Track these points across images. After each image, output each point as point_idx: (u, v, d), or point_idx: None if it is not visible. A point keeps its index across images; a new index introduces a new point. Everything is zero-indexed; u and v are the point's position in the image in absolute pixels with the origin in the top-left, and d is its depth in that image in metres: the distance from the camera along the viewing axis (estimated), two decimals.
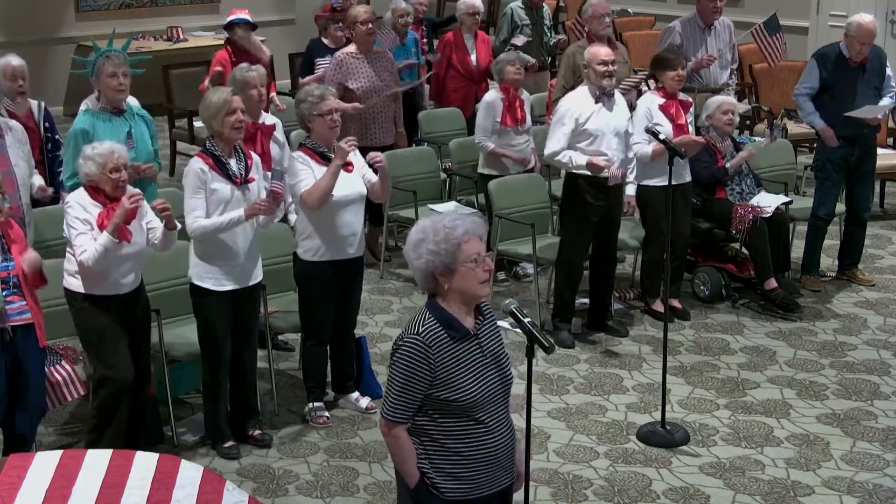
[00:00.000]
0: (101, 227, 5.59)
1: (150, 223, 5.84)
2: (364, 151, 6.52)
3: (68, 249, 5.73)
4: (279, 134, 7.29)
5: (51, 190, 7.06)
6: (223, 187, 5.93)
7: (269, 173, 6.30)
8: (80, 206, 5.66)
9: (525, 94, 8.58)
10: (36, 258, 5.57)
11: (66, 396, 5.97)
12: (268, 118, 7.26)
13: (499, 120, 8.36)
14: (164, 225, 5.78)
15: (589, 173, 7.18)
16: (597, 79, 7.23)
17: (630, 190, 7.54)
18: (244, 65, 7.24)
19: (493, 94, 8.49)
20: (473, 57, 10.09)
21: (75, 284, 5.71)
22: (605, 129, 7.25)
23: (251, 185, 6.04)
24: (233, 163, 5.99)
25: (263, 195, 6.03)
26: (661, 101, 7.70)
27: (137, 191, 5.73)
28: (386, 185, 6.47)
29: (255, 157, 6.23)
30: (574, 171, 7.26)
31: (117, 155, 5.65)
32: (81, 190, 5.74)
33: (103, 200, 5.66)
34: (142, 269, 5.88)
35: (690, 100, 7.93)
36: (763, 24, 9.24)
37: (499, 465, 4.08)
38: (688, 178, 7.81)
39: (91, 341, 5.78)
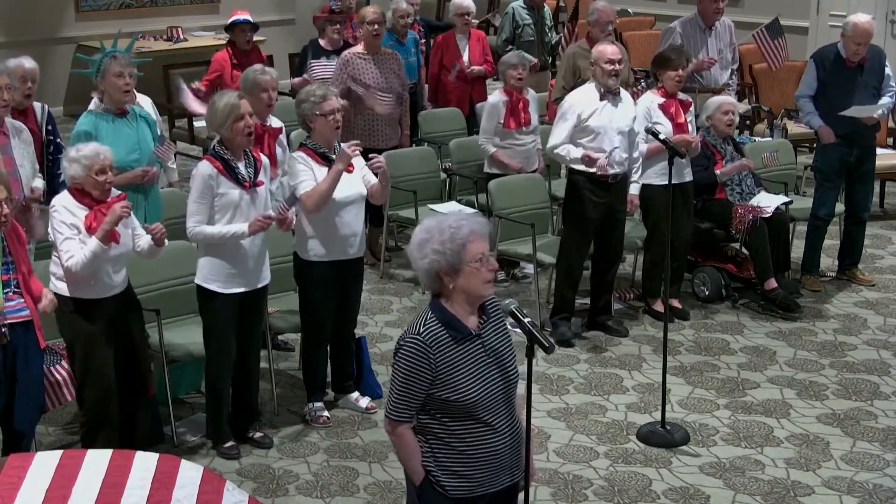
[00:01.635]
0: (90, 229, 5.49)
1: (135, 228, 5.76)
2: (369, 153, 6.50)
3: (54, 253, 5.64)
4: (281, 137, 7.28)
5: (39, 192, 6.91)
6: (232, 192, 5.88)
7: (275, 176, 6.27)
8: (66, 210, 5.53)
9: (531, 94, 8.56)
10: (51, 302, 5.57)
11: (66, 396, 5.97)
12: (273, 121, 7.25)
13: (502, 122, 8.36)
14: (154, 242, 5.71)
15: (584, 167, 7.19)
16: (603, 77, 7.24)
17: (633, 189, 7.56)
18: (258, 66, 7.21)
19: (496, 97, 8.47)
20: (465, 58, 10.07)
21: (62, 288, 5.62)
22: (608, 126, 7.25)
23: (259, 189, 5.99)
24: (241, 166, 5.93)
25: (270, 199, 6.01)
26: (661, 100, 7.70)
27: (125, 198, 5.64)
28: (386, 188, 6.45)
29: (264, 160, 6.17)
30: (571, 164, 7.31)
31: (102, 156, 5.54)
32: (66, 193, 5.61)
33: (90, 203, 5.55)
34: (125, 269, 5.80)
35: (690, 99, 7.93)
36: (765, 27, 9.22)
37: (503, 463, 4.09)
38: (689, 178, 7.81)
39: (76, 345, 5.70)
